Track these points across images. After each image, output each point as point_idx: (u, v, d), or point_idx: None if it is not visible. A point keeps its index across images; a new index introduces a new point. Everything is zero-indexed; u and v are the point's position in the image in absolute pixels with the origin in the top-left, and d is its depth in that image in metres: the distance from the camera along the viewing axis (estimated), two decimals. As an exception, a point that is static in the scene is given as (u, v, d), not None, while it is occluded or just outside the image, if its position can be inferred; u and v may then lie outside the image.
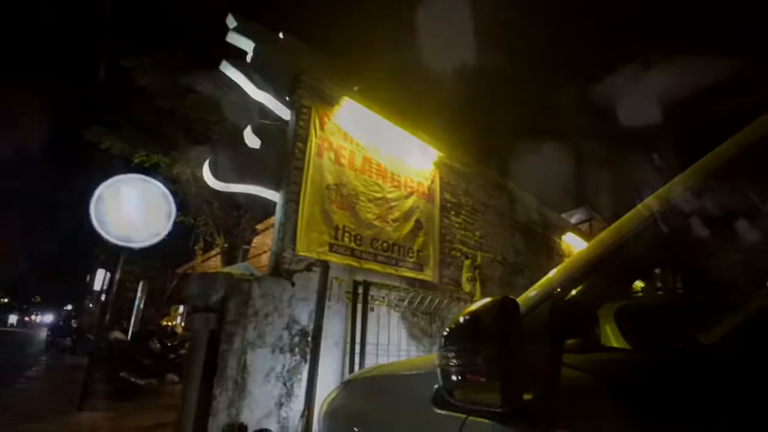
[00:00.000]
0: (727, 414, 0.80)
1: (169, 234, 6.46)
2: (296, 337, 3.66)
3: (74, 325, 15.04)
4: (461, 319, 0.96)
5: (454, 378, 0.96)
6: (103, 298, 11.95)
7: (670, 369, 0.97)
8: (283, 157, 4.21)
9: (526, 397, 0.89)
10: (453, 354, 0.95)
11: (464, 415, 1.03)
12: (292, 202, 4.07)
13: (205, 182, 4.36)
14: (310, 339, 3.74)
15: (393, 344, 4.19)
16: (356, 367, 3.75)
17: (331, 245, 4.28)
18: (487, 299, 0.95)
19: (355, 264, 4.40)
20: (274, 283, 3.69)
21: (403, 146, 5.27)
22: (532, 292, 1.11)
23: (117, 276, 7.42)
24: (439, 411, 1.14)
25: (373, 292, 4.20)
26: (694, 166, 1.26)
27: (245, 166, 4.12)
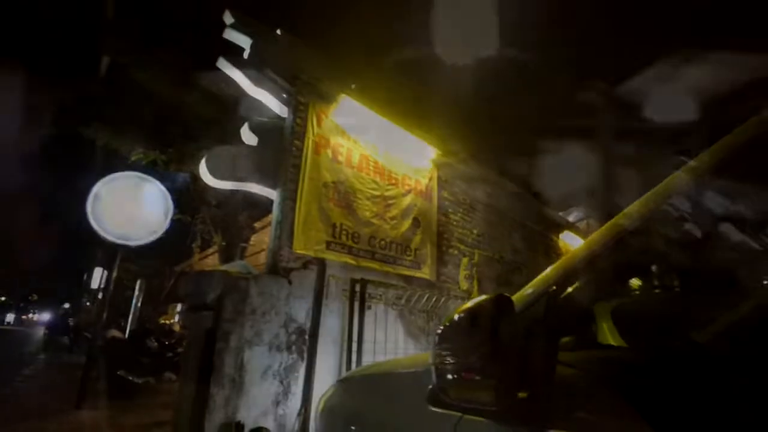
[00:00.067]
0: (722, 411, 0.80)
1: (167, 232, 6.44)
2: (293, 335, 3.66)
3: (71, 324, 15.02)
4: (455, 317, 0.96)
5: (448, 376, 0.95)
6: (100, 296, 11.93)
7: (666, 367, 0.97)
8: (281, 154, 4.20)
9: (521, 395, 0.89)
10: (447, 352, 0.95)
11: (459, 414, 1.03)
12: (290, 200, 4.06)
13: (202, 180, 4.35)
14: (307, 337, 3.73)
15: (390, 342, 4.19)
16: (353, 365, 3.74)
17: (328, 243, 4.28)
18: (481, 297, 0.95)
19: (353, 262, 4.40)
20: (272, 281, 3.68)
21: (400, 144, 5.26)
22: (527, 290, 1.11)
23: (114, 274, 7.40)
24: (434, 409, 1.14)
25: (370, 290, 4.19)
26: (688, 166, 1.26)
27: (242, 163, 4.11)
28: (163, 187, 6.32)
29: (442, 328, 0.98)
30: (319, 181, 4.37)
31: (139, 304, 13.01)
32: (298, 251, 3.99)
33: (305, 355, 3.68)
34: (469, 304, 0.95)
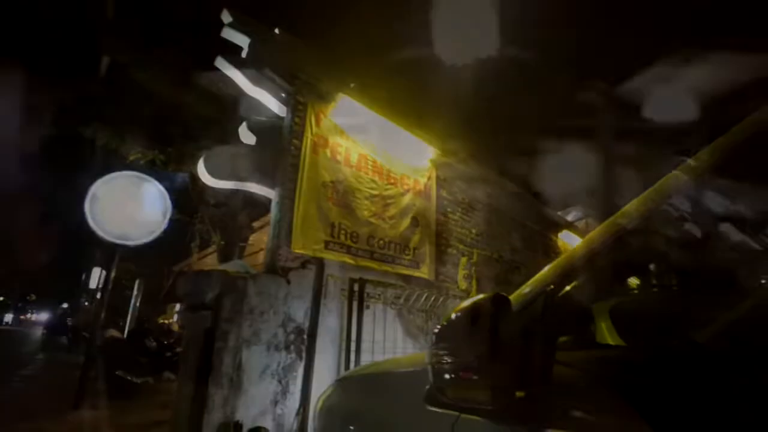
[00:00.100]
0: (721, 410, 0.80)
1: (165, 232, 6.43)
2: (292, 335, 3.65)
3: (70, 324, 15.00)
4: (452, 317, 0.96)
5: (445, 376, 0.95)
6: (98, 296, 11.91)
7: (664, 366, 0.97)
8: (279, 154, 4.19)
9: (519, 394, 0.88)
10: (444, 352, 0.94)
11: (457, 413, 1.03)
12: (288, 199, 4.06)
13: (201, 180, 4.34)
14: (305, 336, 3.73)
15: (389, 342, 4.19)
16: (352, 365, 3.74)
17: (326, 243, 4.27)
18: (478, 296, 0.94)
19: (351, 261, 4.39)
20: (270, 280, 3.68)
21: (399, 143, 5.26)
22: (525, 289, 1.11)
23: (113, 274, 7.39)
24: (431, 408, 1.14)
25: (368, 289, 4.19)
26: (686, 165, 1.26)
27: (241, 163, 4.10)
28: (161, 187, 6.31)
29: (439, 327, 0.98)
30: (317, 180, 4.36)
31: (137, 304, 13.00)
32: (297, 251, 3.99)
33: (304, 355, 3.68)
34: (466, 303, 0.95)
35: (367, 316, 4.11)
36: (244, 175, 4.07)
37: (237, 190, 4.79)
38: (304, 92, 4.39)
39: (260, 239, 9.19)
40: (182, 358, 3.61)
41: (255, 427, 3.28)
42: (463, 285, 5.62)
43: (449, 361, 0.94)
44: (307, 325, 3.78)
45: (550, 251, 7.64)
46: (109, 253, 7.79)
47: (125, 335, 10.17)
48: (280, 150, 4.19)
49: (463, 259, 5.77)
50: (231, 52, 4.34)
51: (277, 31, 4.52)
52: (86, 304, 20.65)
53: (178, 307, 14.35)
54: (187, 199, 8.61)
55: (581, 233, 8.34)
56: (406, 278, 4.85)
